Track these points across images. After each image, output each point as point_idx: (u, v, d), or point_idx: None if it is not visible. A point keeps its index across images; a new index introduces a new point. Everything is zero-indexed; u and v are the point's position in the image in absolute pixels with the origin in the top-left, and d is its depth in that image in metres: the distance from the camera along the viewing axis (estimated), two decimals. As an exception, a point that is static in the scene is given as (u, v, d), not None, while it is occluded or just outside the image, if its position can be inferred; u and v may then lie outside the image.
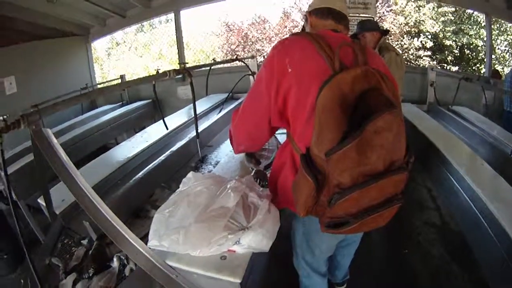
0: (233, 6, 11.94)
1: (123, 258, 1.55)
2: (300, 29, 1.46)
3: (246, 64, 4.02)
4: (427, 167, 2.73)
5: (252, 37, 10.48)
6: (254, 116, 1.21)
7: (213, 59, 3.46)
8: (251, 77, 4.12)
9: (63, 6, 4.94)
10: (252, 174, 1.47)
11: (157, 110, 5.24)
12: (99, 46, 11.08)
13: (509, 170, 2.40)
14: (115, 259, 1.55)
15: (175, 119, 3.04)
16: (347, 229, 0.96)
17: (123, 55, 12.66)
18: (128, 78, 6.41)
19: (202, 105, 3.77)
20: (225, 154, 2.28)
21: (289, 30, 10.08)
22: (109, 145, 4.40)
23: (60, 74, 5.75)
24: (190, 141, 2.40)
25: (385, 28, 2.92)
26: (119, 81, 6.03)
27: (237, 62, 4.00)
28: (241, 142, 1.40)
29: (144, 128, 3.38)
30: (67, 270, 1.56)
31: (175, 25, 5.76)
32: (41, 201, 1.72)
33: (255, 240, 1.05)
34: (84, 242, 1.64)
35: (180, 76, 5.04)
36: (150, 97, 5.52)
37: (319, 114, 0.90)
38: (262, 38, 10.38)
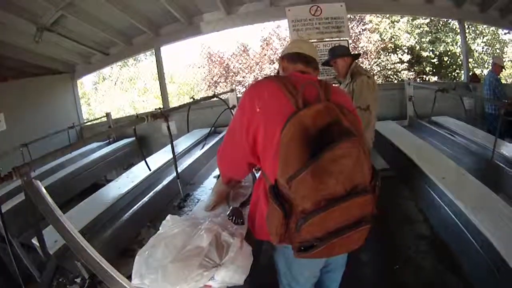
0: (214, 37, 12.26)
1: None
2: (277, 64, 1.67)
3: (223, 101, 4.23)
4: (410, 182, 2.78)
5: (234, 67, 10.68)
6: (232, 152, 1.35)
7: (191, 97, 3.55)
8: (232, 110, 4.30)
9: (49, 44, 5.07)
10: (227, 212, 1.52)
11: (143, 146, 5.34)
12: (87, 80, 11.21)
13: (491, 175, 2.49)
14: None
15: (159, 158, 3.07)
16: (315, 251, 1.01)
17: (109, 90, 12.79)
18: (114, 114, 6.58)
19: (185, 141, 3.84)
20: (208, 190, 2.33)
21: (268, 57, 10.35)
22: (99, 182, 4.44)
23: (48, 111, 5.84)
24: (172, 181, 2.43)
25: (356, 52, 3.04)
26: (105, 119, 6.09)
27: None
28: (226, 172, 1.54)
29: (132, 165, 3.48)
30: (63, 309, 1.58)
31: (156, 61, 5.90)
32: (35, 241, 1.76)
33: (228, 275, 1.12)
34: (78, 280, 1.65)
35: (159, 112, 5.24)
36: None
37: (283, 147, 1.00)
38: (244, 67, 10.58)
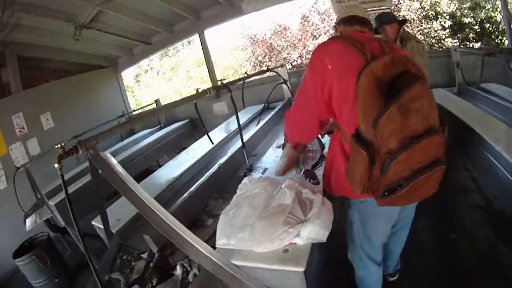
0: (251, 19, 12.24)
1: (186, 265, 1.61)
2: (333, 31, 1.68)
3: (278, 73, 4.17)
4: (465, 149, 2.72)
5: (278, 46, 10.68)
6: (304, 112, 1.40)
7: (245, 73, 3.62)
8: (283, 85, 4.33)
9: (90, 41, 5.27)
10: (301, 173, 1.59)
11: (195, 129, 5.57)
12: (128, 74, 11.68)
13: None
14: (178, 267, 1.62)
15: (217, 134, 3.21)
16: (401, 193, 1.08)
17: (152, 80, 13.18)
18: (162, 102, 6.72)
19: (240, 118, 3.86)
20: (271, 160, 2.41)
21: (311, 34, 10.23)
22: (152, 168, 4.70)
23: (94, 106, 6.12)
24: (236, 152, 2.54)
25: (401, 18, 2.97)
26: (154, 105, 6.36)
27: (268, 72, 4.13)
28: (294, 136, 1.58)
29: (184, 148, 3.58)
30: (129, 283, 1.66)
31: (202, 45, 5.92)
32: (95, 223, 1.87)
33: (313, 231, 1.18)
34: (144, 255, 1.73)
35: (213, 94, 5.35)
36: (187, 117, 5.84)
37: (360, 97, 1.07)
38: (287, 45, 10.54)
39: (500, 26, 9.37)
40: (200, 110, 2.34)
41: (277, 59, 10.49)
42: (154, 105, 6.39)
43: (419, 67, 1.11)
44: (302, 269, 1.14)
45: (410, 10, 9.59)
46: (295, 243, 1.19)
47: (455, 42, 9.59)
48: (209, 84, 11.48)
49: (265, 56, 10.88)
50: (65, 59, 5.48)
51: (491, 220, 2.58)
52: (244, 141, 2.60)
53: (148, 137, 5.17)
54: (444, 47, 9.21)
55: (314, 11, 10.40)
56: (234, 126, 3.43)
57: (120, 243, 1.81)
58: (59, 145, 1.15)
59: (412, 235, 1.79)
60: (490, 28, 9.83)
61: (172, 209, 1.90)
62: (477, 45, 9.65)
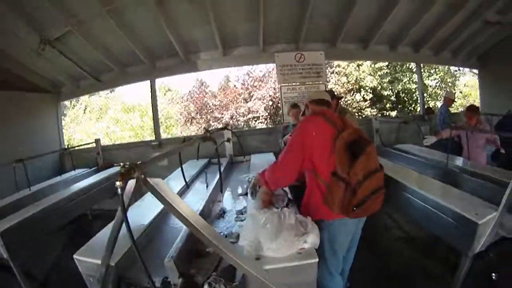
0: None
1: (213, 283, 1.65)
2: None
3: (232, 131, 5.08)
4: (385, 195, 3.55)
5: (213, 105, 11.77)
6: (291, 163, 2.05)
7: (204, 128, 4.03)
8: (226, 143, 5.11)
9: (47, 60, 5.09)
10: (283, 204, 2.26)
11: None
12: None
13: (447, 177, 3.34)
14: (206, 286, 1.66)
15: (178, 183, 3.38)
16: (364, 206, 1.83)
17: (79, 118, 12.82)
18: (88, 141, 6.51)
19: (189, 170, 3.98)
20: (236, 205, 2.83)
21: (243, 98, 11.89)
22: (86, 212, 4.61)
23: (26, 130, 5.56)
24: (208, 199, 2.71)
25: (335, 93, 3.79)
26: (93, 145, 6.01)
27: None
28: (278, 181, 2.18)
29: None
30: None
31: (151, 93, 6.14)
32: (80, 256, 1.81)
33: (314, 239, 1.71)
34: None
35: (156, 143, 5.66)
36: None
37: (337, 153, 1.86)
38: (220, 105, 11.68)
39: (414, 95, 11.94)
40: (139, 159, 2.14)
41: (209, 118, 11.52)
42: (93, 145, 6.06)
43: (365, 133, 1.95)
44: (316, 259, 1.64)
45: (337, 83, 11.43)
46: (304, 247, 1.69)
47: (374, 112, 11.60)
48: (140, 132, 11.89)
49: (197, 113, 11.78)
50: (16, 71, 5.09)
51: (410, 244, 3.53)
52: (209, 190, 2.93)
53: (83, 179, 4.77)
54: (364, 116, 11.10)
55: (246, 76, 11.90)
56: (187, 176, 3.45)
57: (120, 276, 1.74)
58: (121, 164, 1.31)
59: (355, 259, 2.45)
60: (405, 98, 12.34)
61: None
62: (393, 113, 11.79)
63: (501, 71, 6.80)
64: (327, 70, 10.81)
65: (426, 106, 7.59)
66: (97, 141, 6.02)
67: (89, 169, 5.65)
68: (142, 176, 1.29)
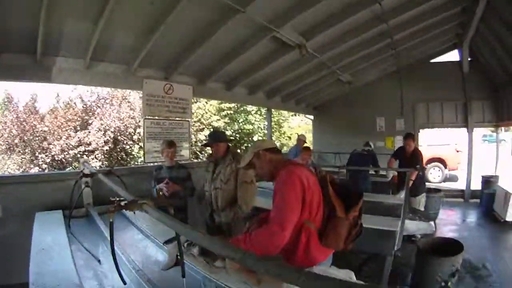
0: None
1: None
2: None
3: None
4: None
5: (41, 131, 9.69)
6: (291, 216, 1.84)
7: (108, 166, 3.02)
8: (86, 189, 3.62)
9: None
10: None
11: None
12: None
13: None
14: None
15: None
16: (355, 237, 2.00)
17: None
18: None
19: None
20: None
21: (73, 126, 10.29)
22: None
23: None
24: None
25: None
26: None
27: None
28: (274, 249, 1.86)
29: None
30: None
31: None
32: None
33: None
34: None
35: None
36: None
37: (333, 198, 1.96)
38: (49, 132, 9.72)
39: (248, 135, 13.93)
40: None
41: (36, 147, 9.41)
42: None
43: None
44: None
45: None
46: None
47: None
48: None
49: (21, 139, 9.48)
50: None
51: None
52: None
53: None
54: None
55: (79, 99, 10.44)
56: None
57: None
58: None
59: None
60: (240, 136, 13.90)
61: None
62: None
63: (330, 119, 10.14)
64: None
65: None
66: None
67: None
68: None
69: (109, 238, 1.74)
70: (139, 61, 4.33)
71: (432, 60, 9.05)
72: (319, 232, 1.93)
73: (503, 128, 8.51)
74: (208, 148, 3.51)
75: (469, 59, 8.31)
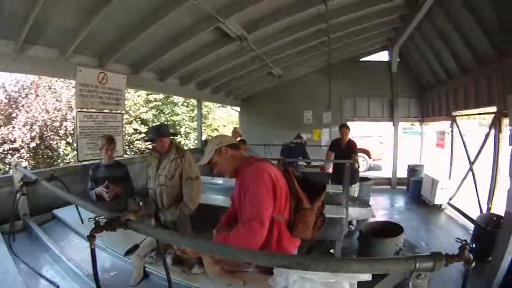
0: None
1: None
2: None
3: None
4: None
5: None
6: (267, 211, 1.88)
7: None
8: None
9: None
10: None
11: None
12: None
13: None
14: None
15: None
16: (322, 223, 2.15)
17: None
18: None
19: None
20: None
21: None
22: None
23: None
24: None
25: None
26: None
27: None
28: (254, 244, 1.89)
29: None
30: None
31: None
32: None
33: None
34: None
35: None
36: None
37: (299, 190, 2.03)
38: None
39: (177, 126, 14.08)
40: None
41: None
42: None
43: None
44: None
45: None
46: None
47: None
48: None
49: None
50: None
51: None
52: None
53: None
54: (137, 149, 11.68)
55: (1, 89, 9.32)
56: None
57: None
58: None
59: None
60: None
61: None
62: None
63: (258, 112, 10.46)
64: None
65: (203, 138, 8.92)
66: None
67: None
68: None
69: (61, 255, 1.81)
70: (75, 45, 3.89)
71: (362, 59, 9.64)
72: (288, 224, 2.01)
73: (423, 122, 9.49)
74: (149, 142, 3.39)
75: (398, 60, 9.07)
